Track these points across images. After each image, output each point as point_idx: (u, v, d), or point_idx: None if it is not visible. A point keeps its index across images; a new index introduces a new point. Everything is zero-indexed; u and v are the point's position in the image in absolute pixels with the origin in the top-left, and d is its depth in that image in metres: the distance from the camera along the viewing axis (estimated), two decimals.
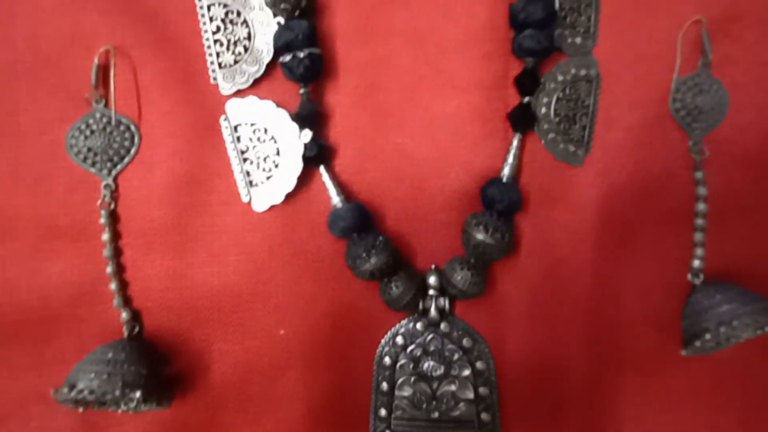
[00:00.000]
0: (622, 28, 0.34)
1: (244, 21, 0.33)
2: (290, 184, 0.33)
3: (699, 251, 0.35)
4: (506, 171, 0.33)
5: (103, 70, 0.32)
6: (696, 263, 0.35)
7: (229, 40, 0.33)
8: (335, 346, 0.34)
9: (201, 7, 0.33)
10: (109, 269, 0.32)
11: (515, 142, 0.33)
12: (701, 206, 0.34)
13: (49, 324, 0.33)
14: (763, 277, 0.35)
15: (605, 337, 0.35)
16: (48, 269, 0.33)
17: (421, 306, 0.34)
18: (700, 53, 0.34)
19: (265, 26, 0.33)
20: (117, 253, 0.33)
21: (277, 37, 0.32)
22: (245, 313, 0.33)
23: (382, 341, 0.34)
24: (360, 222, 0.32)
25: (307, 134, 0.32)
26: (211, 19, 0.33)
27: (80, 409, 0.31)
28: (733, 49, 0.34)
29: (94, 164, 0.32)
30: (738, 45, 0.34)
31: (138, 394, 0.29)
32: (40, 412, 0.33)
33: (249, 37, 0.33)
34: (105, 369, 0.30)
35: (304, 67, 0.31)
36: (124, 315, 0.32)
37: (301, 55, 0.31)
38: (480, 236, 0.32)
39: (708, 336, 0.32)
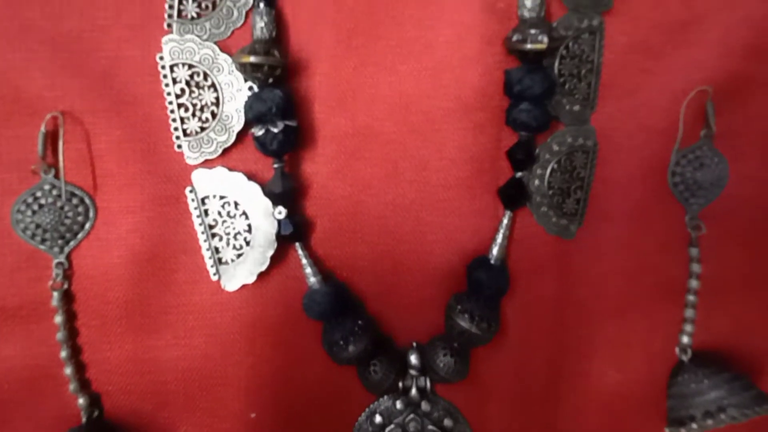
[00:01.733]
0: (623, 95, 0.32)
1: (212, 84, 0.29)
2: (263, 263, 0.30)
3: (688, 327, 0.34)
4: (495, 252, 0.31)
5: (52, 139, 0.29)
6: (685, 339, 0.34)
7: (194, 105, 0.29)
8: (310, 427, 0.32)
9: (163, 67, 0.29)
10: (63, 353, 0.30)
11: (505, 221, 0.31)
12: (694, 283, 0.33)
13: (1, 410, 0.31)
14: (751, 356, 0.34)
15: (591, 415, 0.34)
16: None
17: (401, 384, 0.32)
18: (703, 124, 0.32)
19: (235, 90, 0.29)
20: (72, 335, 0.30)
21: (248, 107, 0.28)
22: (214, 396, 0.31)
23: (360, 419, 0.32)
24: (337, 306, 0.30)
25: (282, 211, 0.30)
26: (174, 81, 0.29)
27: None
28: (737, 118, 0.33)
29: (44, 241, 0.29)
30: (743, 114, 0.33)
31: None
32: None
33: (217, 103, 0.29)
34: None
35: (278, 143, 0.28)
36: (81, 401, 0.30)
37: (275, 130, 0.28)
38: (464, 324, 0.30)
39: (694, 425, 0.32)
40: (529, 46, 0.28)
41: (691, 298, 0.33)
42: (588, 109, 0.32)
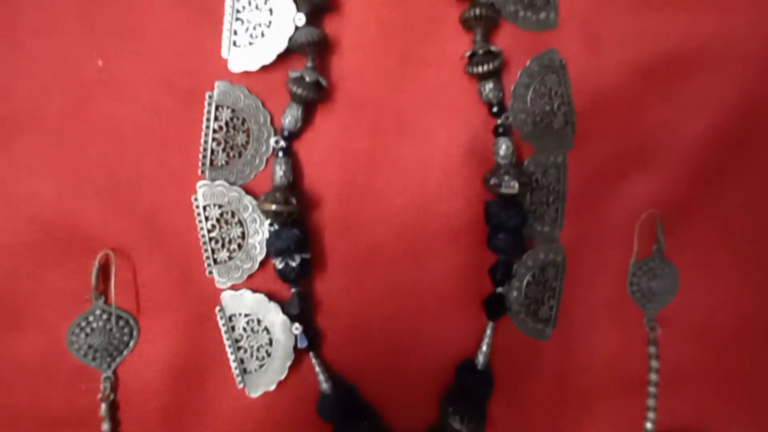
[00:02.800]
0: (586, 217, 0.37)
1: (239, 221, 0.35)
2: (282, 373, 0.35)
3: (651, 415, 0.39)
4: (480, 358, 0.36)
5: (103, 271, 0.34)
6: (648, 426, 0.39)
7: (224, 239, 0.35)
8: None
9: (197, 207, 0.34)
10: None
11: (488, 331, 0.36)
12: (653, 377, 0.38)
13: None
14: None
15: None
16: None
17: None
18: (655, 240, 0.38)
19: (258, 225, 0.35)
20: None
21: (270, 244, 0.34)
22: None
23: None
24: (346, 409, 0.35)
25: (298, 328, 0.35)
26: (207, 219, 0.34)
27: None
28: (684, 234, 0.38)
29: (94, 359, 0.34)
30: (688, 231, 0.38)
31: None
32: None
33: (243, 236, 0.35)
34: None
35: (296, 274, 0.34)
36: None
37: (293, 263, 0.33)
38: (456, 426, 0.35)
39: None
40: (503, 190, 0.34)
41: (652, 389, 0.38)
42: (556, 229, 0.37)
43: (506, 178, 0.34)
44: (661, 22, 0.36)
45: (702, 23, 0.36)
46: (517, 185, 0.34)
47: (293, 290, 0.35)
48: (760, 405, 0.39)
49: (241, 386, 0.35)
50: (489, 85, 0.34)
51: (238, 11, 0.34)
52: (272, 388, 0.35)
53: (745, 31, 0.36)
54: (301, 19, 0.33)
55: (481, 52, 0.33)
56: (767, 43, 0.36)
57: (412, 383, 0.37)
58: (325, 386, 0.35)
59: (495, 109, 0.35)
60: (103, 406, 0.34)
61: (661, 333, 0.38)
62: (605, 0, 0.35)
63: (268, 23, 0.33)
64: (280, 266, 0.34)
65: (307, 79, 0.33)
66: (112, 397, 0.34)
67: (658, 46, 0.36)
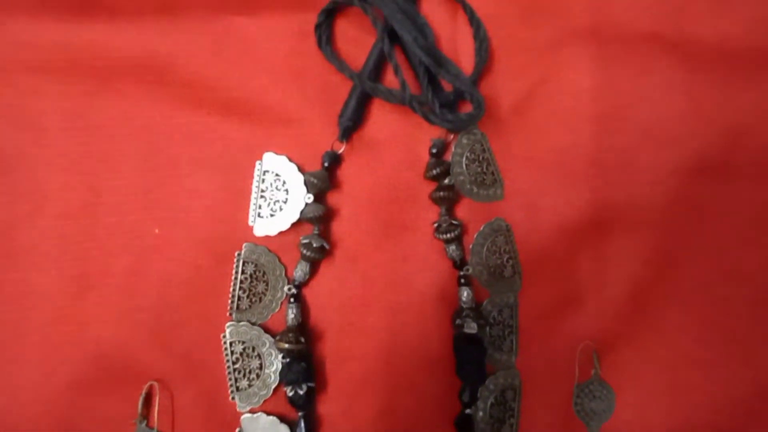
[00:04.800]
0: (536, 347, 0.46)
1: (257, 354, 0.43)
2: None
3: None
4: None
5: (147, 398, 0.42)
6: None
7: (245, 369, 0.43)
8: None
9: (225, 343, 0.43)
10: None
11: None
12: None
13: None
14: None
15: None
16: None
17: None
18: (593, 365, 0.47)
19: (273, 357, 0.43)
20: None
21: (283, 375, 0.42)
22: None
23: None
24: None
25: None
26: (232, 353, 0.43)
27: None
28: (617, 361, 0.47)
29: None
30: (620, 359, 0.47)
31: None
32: None
33: (260, 367, 0.43)
34: None
35: (303, 401, 0.42)
36: None
37: (301, 391, 0.42)
38: None
39: None
40: (465, 330, 0.43)
41: None
42: (513, 357, 0.46)
43: (468, 320, 0.43)
44: (579, 194, 0.46)
45: (610, 196, 0.47)
46: (476, 326, 0.43)
47: (300, 414, 0.42)
48: None
49: None
50: (452, 246, 0.45)
51: (262, 191, 0.45)
52: None
53: (645, 201, 0.47)
54: (309, 197, 0.44)
55: (445, 224, 0.44)
56: (663, 208, 0.47)
57: None
58: None
59: (458, 264, 0.45)
60: None
61: None
62: (539, 177, 0.47)
63: (285, 200, 0.44)
64: (290, 394, 0.42)
65: (314, 244, 0.43)
66: None
67: (580, 211, 0.47)
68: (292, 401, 0.42)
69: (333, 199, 0.46)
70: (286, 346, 0.42)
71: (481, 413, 0.45)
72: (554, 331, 0.47)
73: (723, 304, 0.47)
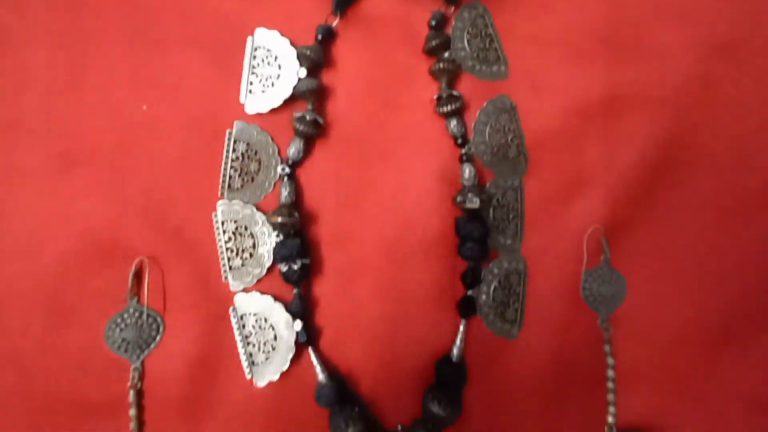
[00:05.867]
0: (542, 232, 0.44)
1: (251, 233, 0.42)
2: (285, 364, 0.41)
3: (612, 409, 0.43)
4: (455, 352, 0.42)
5: (138, 274, 0.41)
6: (610, 419, 0.43)
7: (238, 248, 0.42)
8: None
9: (216, 222, 0.42)
10: None
11: (461, 328, 0.42)
12: (611, 373, 0.43)
13: None
14: (663, 426, 0.43)
15: None
16: None
17: None
18: (602, 251, 0.45)
19: (267, 237, 0.42)
20: (141, 425, 0.40)
21: (276, 251, 0.41)
22: None
23: None
24: (339, 396, 0.40)
25: (299, 324, 0.41)
26: (224, 232, 0.42)
27: None
28: (629, 248, 0.45)
29: (126, 351, 0.40)
30: (632, 243, 0.45)
31: None
32: None
33: (253, 246, 0.42)
34: None
35: (297, 276, 0.40)
36: None
37: (295, 267, 0.40)
38: (434, 409, 0.40)
39: None
40: (467, 206, 0.41)
41: (610, 385, 0.43)
42: (517, 242, 0.44)
43: (470, 195, 0.41)
44: (588, 73, 0.44)
45: (619, 74, 0.44)
46: (478, 200, 0.41)
47: (295, 291, 0.41)
48: (703, 398, 0.43)
49: (249, 377, 0.41)
50: (453, 122, 0.43)
51: (253, 67, 0.43)
52: (276, 378, 0.41)
53: (656, 80, 0.44)
54: (302, 72, 0.42)
55: (445, 95, 0.42)
56: (676, 87, 0.44)
57: (396, 378, 0.42)
58: (321, 377, 0.41)
59: (459, 141, 0.43)
60: (132, 394, 0.39)
61: (615, 333, 0.44)
62: (544, 55, 0.45)
63: (277, 76, 0.42)
64: (284, 269, 0.40)
65: (308, 117, 0.41)
66: (139, 385, 0.40)
67: (589, 91, 0.44)
68: (286, 277, 0.40)
69: (327, 78, 0.44)
70: (279, 219, 0.40)
71: (484, 297, 0.43)
72: (561, 215, 0.44)
73: (737, 190, 0.45)
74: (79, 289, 0.41)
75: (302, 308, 0.41)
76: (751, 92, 0.45)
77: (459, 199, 0.42)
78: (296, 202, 0.42)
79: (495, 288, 0.43)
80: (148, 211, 0.42)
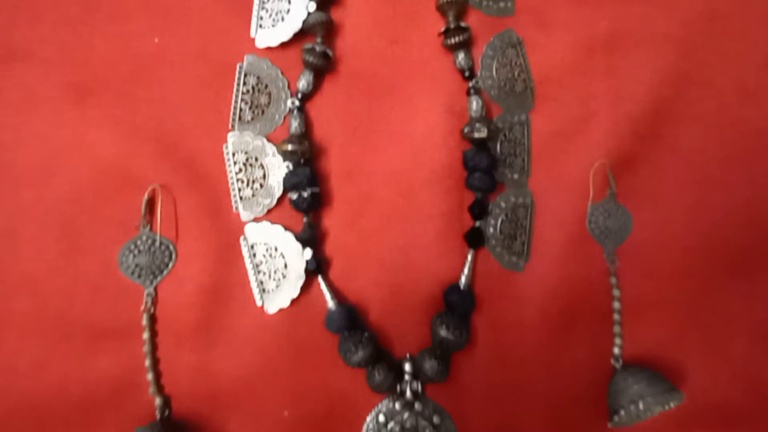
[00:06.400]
0: (549, 167, 0.44)
1: (261, 164, 0.42)
2: (295, 292, 0.41)
3: (617, 341, 0.43)
4: (463, 280, 0.42)
5: (151, 203, 0.41)
6: (616, 350, 0.43)
7: (248, 179, 0.42)
8: (329, 426, 0.41)
9: (227, 153, 0.42)
10: (147, 362, 0.40)
11: (469, 258, 0.42)
12: (616, 305, 0.44)
13: (93, 412, 0.40)
14: (669, 358, 0.44)
15: (549, 412, 0.42)
16: (96, 365, 0.40)
17: (398, 388, 0.41)
18: (608, 185, 0.45)
19: (277, 168, 0.42)
20: (154, 349, 0.40)
21: (287, 180, 0.41)
22: (256, 398, 0.41)
23: (367, 419, 0.41)
24: (349, 322, 0.41)
25: (309, 252, 0.41)
26: (235, 163, 0.42)
27: None
28: (632, 181, 0.45)
29: (139, 277, 0.41)
30: (637, 178, 0.45)
31: None
32: None
33: (264, 177, 0.42)
34: None
35: (307, 203, 0.41)
36: (158, 401, 0.40)
37: (305, 194, 0.41)
38: (443, 333, 0.40)
39: (623, 412, 0.40)
40: (475, 135, 0.42)
41: (616, 317, 0.44)
42: (524, 176, 0.44)
43: (477, 125, 0.42)
44: (594, 8, 0.45)
45: (626, 10, 0.45)
46: (486, 130, 0.41)
47: (305, 220, 0.42)
48: (708, 330, 0.44)
49: (260, 304, 0.41)
50: (461, 55, 0.43)
51: (263, 2, 0.43)
52: (286, 305, 0.41)
53: (663, 15, 0.45)
54: (312, 6, 0.43)
55: (453, 27, 0.42)
56: (682, 23, 0.45)
57: (405, 308, 0.43)
58: (331, 304, 0.41)
59: (467, 74, 0.43)
60: (145, 318, 0.40)
61: (621, 266, 0.44)
62: None
63: (287, 10, 0.43)
64: (294, 197, 0.41)
65: (317, 49, 0.42)
66: (152, 310, 0.40)
67: (595, 27, 0.45)
68: (296, 205, 0.41)
69: (336, 14, 0.44)
70: (290, 147, 0.40)
71: (491, 229, 0.43)
72: (568, 150, 0.45)
73: (743, 126, 0.45)
74: (92, 217, 0.41)
75: (312, 237, 0.41)
76: (757, 28, 0.45)
77: (467, 130, 0.42)
78: (305, 134, 0.43)
79: (502, 221, 0.44)
80: (160, 142, 0.42)
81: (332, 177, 0.43)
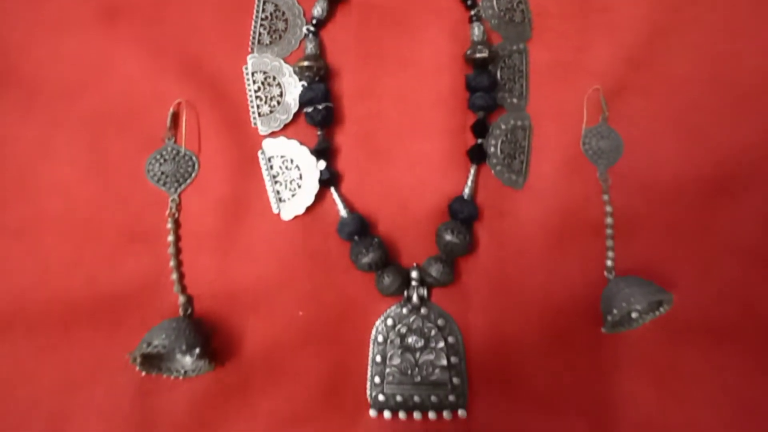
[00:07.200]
0: (546, 93, 0.48)
1: (278, 83, 0.45)
2: (309, 200, 0.44)
3: (610, 254, 0.46)
4: (466, 191, 0.45)
5: (175, 117, 0.44)
6: (609, 263, 0.46)
7: (266, 96, 0.45)
8: (341, 327, 0.44)
9: (247, 73, 0.45)
10: (171, 263, 0.43)
11: (472, 171, 0.45)
12: (609, 220, 0.46)
13: (121, 309, 0.43)
14: (659, 272, 0.46)
15: (546, 318, 0.45)
16: (124, 265, 0.43)
17: (405, 294, 0.44)
18: (601, 110, 0.48)
19: (293, 87, 0.45)
20: (177, 252, 0.43)
21: (302, 95, 0.44)
22: (273, 299, 0.43)
23: (377, 323, 0.44)
24: (360, 228, 0.43)
25: (322, 164, 0.44)
26: (254, 82, 0.45)
27: (143, 373, 0.40)
28: (624, 107, 0.48)
29: (164, 184, 0.43)
30: (627, 105, 0.48)
31: (197, 350, 0.39)
32: (107, 380, 0.42)
33: (281, 95, 0.45)
34: (171, 333, 0.39)
35: (321, 116, 0.44)
36: (181, 298, 0.42)
37: (320, 107, 0.44)
38: (448, 237, 0.43)
39: (615, 311, 0.42)
40: (477, 55, 0.45)
41: (609, 231, 0.46)
42: (523, 101, 0.48)
43: (479, 47, 0.45)
44: None
45: None
46: (486, 51, 0.45)
47: (319, 134, 0.45)
48: (697, 247, 0.46)
49: (276, 212, 0.44)
50: None
51: None
52: (301, 212, 0.44)
53: None
54: None
55: None
56: None
57: (412, 220, 0.45)
58: (343, 212, 0.44)
59: (469, 3, 0.47)
60: (170, 222, 0.43)
61: (613, 185, 0.47)
62: None
63: None
64: (309, 110, 0.44)
65: None
66: (176, 215, 0.43)
67: None
68: (311, 118, 0.44)
69: None
70: (306, 63, 0.43)
71: (492, 148, 0.46)
72: (564, 77, 0.48)
73: (732, 60, 0.48)
74: (120, 129, 0.44)
75: (325, 149, 0.44)
76: None
77: (469, 51, 0.45)
78: (320, 55, 0.46)
79: (502, 141, 0.47)
80: (185, 62, 0.45)
81: (344, 98, 0.46)
